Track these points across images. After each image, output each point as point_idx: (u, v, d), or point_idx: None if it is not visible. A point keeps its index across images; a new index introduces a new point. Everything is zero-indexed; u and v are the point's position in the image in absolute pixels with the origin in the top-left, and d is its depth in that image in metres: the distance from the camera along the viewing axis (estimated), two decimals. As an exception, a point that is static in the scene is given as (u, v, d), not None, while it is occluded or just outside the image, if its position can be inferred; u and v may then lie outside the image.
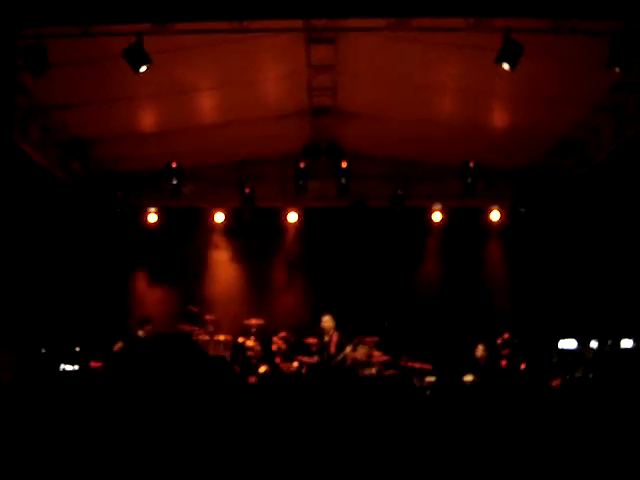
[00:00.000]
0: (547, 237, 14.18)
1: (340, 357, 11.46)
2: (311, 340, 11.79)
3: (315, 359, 11.54)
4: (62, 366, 12.13)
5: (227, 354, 12.48)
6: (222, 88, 11.58)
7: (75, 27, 8.58)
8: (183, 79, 10.83)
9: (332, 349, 11.63)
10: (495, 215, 14.87)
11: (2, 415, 3.67)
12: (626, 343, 12.72)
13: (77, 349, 12.71)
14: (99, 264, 14.04)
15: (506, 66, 8.92)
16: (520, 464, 4.22)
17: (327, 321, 11.92)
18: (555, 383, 10.47)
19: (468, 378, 11.23)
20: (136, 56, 8.90)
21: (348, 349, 11.48)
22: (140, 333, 12.16)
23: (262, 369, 12.26)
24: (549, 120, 11.65)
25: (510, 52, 8.82)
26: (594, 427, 4.36)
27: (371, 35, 9.81)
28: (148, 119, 12.57)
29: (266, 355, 12.28)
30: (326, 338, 11.84)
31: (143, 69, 8.98)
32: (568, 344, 13.39)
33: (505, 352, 12.05)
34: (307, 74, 11.38)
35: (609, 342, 12.92)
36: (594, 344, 13.12)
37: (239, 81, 11.30)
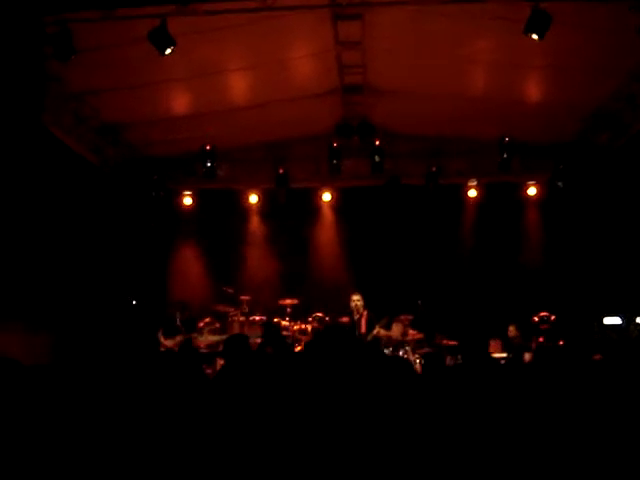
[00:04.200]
0: (586, 212, 13.86)
1: (371, 336, 11.44)
2: (345, 320, 11.77)
3: (346, 338, 11.49)
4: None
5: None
6: (252, 69, 11.51)
7: (97, 11, 8.60)
8: (212, 61, 10.79)
9: (362, 328, 11.60)
10: (532, 190, 14.61)
11: (42, 395, 3.73)
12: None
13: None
14: (136, 248, 14.19)
15: (535, 37, 8.75)
16: (544, 431, 4.15)
17: (356, 300, 11.90)
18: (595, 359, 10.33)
19: (498, 355, 11.13)
20: (161, 39, 8.91)
21: (377, 328, 11.45)
22: (178, 317, 12.40)
23: (298, 349, 12.31)
24: (584, 92, 11.38)
25: (538, 22, 8.63)
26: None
27: (398, 10, 9.66)
28: (180, 102, 12.56)
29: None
30: (356, 317, 11.82)
31: (168, 51, 8.99)
32: (612, 321, 13.14)
33: (542, 329, 11.90)
34: (336, 52, 11.25)
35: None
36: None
37: (268, 61, 11.20)
